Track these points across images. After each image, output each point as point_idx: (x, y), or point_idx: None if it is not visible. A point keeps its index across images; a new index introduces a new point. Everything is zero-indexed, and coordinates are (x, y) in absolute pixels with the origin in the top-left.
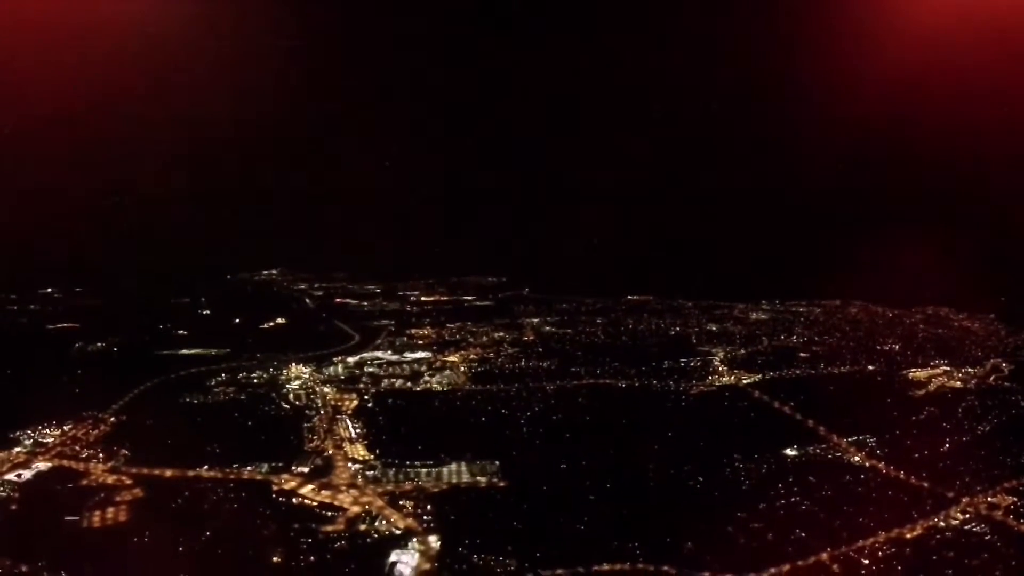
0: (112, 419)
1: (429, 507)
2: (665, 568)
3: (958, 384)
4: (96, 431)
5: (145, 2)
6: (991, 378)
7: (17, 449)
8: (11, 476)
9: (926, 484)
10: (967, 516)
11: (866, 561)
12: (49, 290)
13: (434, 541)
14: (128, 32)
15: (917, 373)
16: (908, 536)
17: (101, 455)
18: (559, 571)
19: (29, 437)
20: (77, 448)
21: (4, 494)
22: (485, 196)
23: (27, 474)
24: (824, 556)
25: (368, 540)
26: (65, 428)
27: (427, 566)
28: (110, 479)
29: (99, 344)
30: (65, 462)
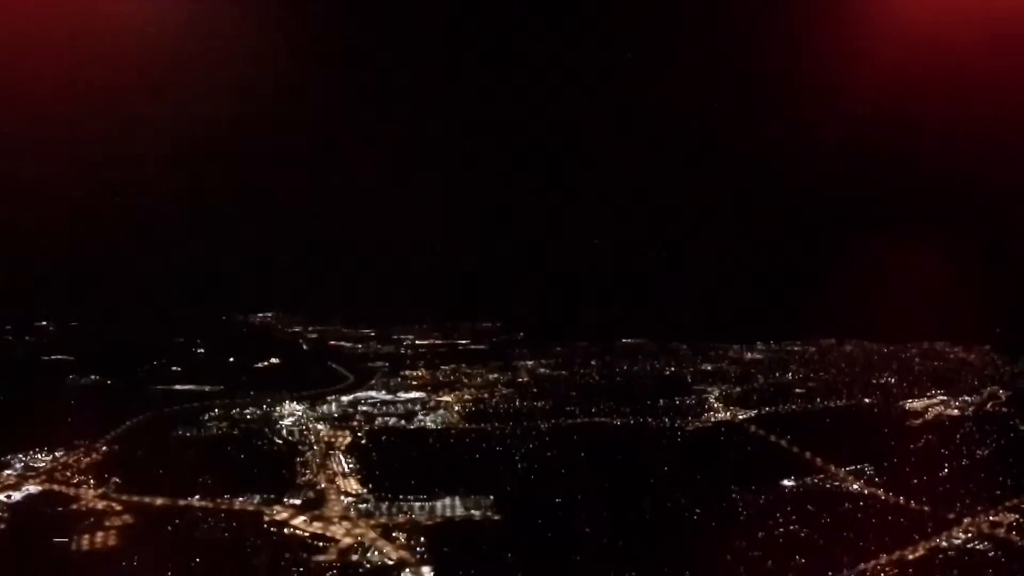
0: (104, 448)
1: (423, 539)
2: None
3: (955, 412)
4: (88, 459)
5: (145, 2)
6: (988, 405)
7: (7, 472)
8: (0, 497)
9: (927, 508)
10: (969, 535)
11: None
12: (44, 323)
13: (427, 572)
14: (127, 32)
15: (914, 403)
16: (910, 557)
17: (92, 482)
18: None
19: (20, 461)
20: (68, 474)
21: None
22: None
23: (17, 496)
24: None
25: (360, 570)
26: (57, 454)
27: None
28: (100, 504)
29: (93, 377)
30: (55, 486)
